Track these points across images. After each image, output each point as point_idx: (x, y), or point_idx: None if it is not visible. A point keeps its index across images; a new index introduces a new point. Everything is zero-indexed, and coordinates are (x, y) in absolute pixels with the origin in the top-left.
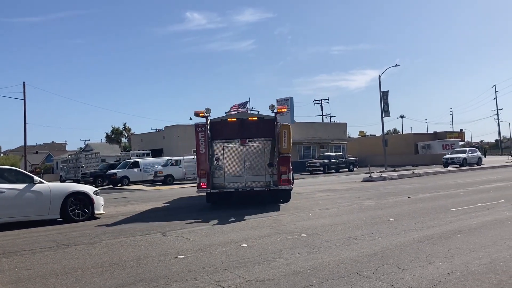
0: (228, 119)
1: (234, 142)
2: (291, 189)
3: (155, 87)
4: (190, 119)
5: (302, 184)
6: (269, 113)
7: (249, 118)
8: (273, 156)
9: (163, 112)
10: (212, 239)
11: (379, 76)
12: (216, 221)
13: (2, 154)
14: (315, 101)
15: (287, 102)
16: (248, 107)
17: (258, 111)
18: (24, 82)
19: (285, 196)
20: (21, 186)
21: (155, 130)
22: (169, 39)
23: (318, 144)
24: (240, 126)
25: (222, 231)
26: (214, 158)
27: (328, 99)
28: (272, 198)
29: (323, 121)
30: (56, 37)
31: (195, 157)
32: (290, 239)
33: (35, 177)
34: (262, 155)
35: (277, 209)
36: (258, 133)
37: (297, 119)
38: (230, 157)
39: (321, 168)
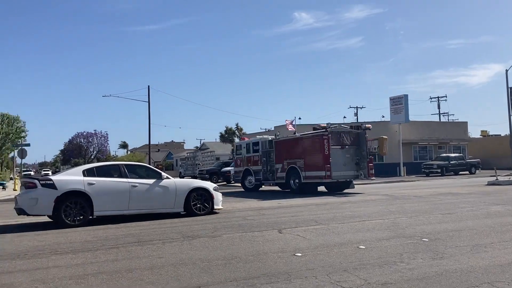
0: (338, 131)
1: (338, 146)
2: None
3: (265, 88)
4: (300, 118)
5: (418, 187)
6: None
7: (345, 131)
8: (360, 157)
9: (272, 112)
10: (328, 239)
11: (506, 71)
12: (330, 221)
13: (129, 152)
14: (431, 98)
15: (401, 100)
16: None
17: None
18: (148, 86)
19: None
20: (150, 181)
21: (265, 130)
22: (277, 41)
23: (435, 145)
24: (340, 136)
25: (338, 231)
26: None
27: (445, 96)
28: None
29: (440, 119)
30: (173, 43)
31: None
32: (411, 243)
33: (163, 173)
34: (351, 156)
35: (393, 212)
36: (350, 141)
37: (412, 117)
38: (335, 157)
39: (439, 170)
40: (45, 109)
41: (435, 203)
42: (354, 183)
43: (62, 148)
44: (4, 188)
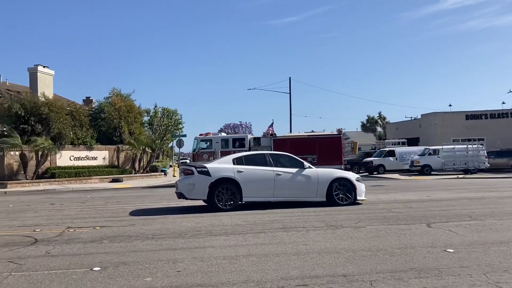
0: None
1: None
2: None
3: (410, 75)
4: (450, 105)
5: None
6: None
7: None
8: None
9: (418, 99)
10: (484, 236)
11: None
12: (487, 217)
13: None
14: None
15: None
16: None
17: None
18: (289, 78)
19: None
20: (293, 170)
21: (410, 119)
22: (421, 23)
23: None
24: None
25: (496, 228)
26: None
27: None
28: None
29: None
30: (313, 33)
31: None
32: None
33: (305, 163)
34: None
35: None
36: None
37: None
38: None
39: None
40: (197, 102)
41: None
42: None
43: None
44: (165, 174)
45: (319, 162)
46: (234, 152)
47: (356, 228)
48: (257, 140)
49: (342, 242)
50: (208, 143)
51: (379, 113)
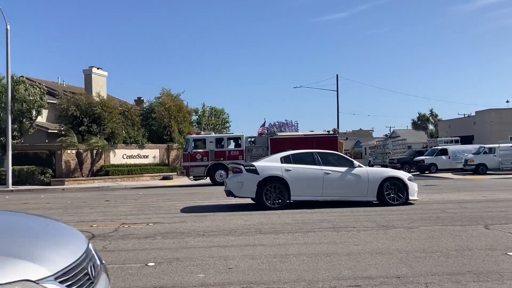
0: None
1: None
2: None
3: (463, 70)
4: (507, 101)
5: None
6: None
7: None
8: None
9: (472, 96)
10: None
11: None
12: None
13: None
14: None
15: None
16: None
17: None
18: (337, 75)
19: None
20: (343, 169)
21: (464, 116)
22: (475, 16)
23: None
24: None
25: None
26: None
27: None
28: None
29: None
30: (360, 29)
31: None
32: None
33: (355, 161)
34: None
35: None
36: None
37: None
38: None
39: None
40: (244, 102)
41: None
42: None
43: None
44: None
45: None
46: (229, 152)
47: (409, 228)
48: (253, 139)
49: (394, 243)
50: (202, 142)
51: (431, 110)
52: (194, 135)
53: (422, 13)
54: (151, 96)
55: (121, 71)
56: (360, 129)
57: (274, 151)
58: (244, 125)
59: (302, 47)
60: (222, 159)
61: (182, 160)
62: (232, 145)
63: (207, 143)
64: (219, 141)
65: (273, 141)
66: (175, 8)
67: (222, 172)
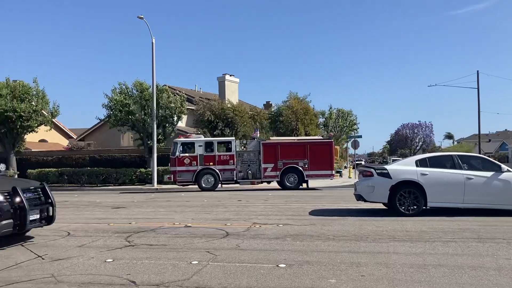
0: None
1: None
2: None
3: None
4: None
5: None
6: None
7: None
8: None
9: None
10: None
11: None
12: None
13: (455, 142)
14: None
15: None
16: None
17: None
18: (477, 71)
19: None
20: (488, 173)
21: None
22: None
23: None
24: None
25: None
26: None
27: None
28: None
29: None
30: (502, 20)
31: None
32: None
33: (503, 166)
34: None
35: None
36: None
37: None
38: None
39: None
40: (373, 103)
41: None
42: None
43: (389, 139)
44: (340, 175)
45: (310, 168)
46: (219, 157)
47: None
48: (244, 144)
49: None
50: (190, 146)
51: None
52: (182, 139)
53: None
54: (279, 100)
55: (252, 77)
56: (506, 130)
57: (266, 156)
58: (374, 127)
59: (437, 43)
60: (211, 164)
61: (169, 165)
62: (222, 150)
63: (196, 147)
64: (208, 145)
65: (265, 145)
66: (312, 23)
67: (211, 178)
